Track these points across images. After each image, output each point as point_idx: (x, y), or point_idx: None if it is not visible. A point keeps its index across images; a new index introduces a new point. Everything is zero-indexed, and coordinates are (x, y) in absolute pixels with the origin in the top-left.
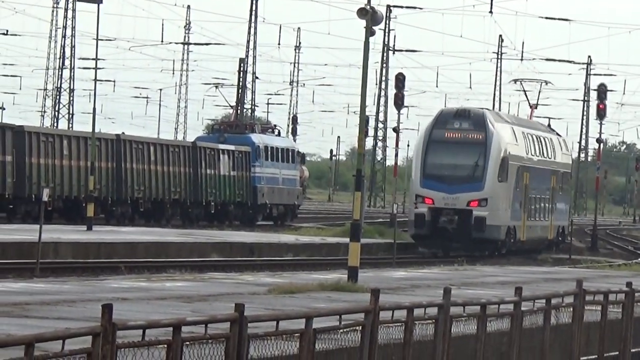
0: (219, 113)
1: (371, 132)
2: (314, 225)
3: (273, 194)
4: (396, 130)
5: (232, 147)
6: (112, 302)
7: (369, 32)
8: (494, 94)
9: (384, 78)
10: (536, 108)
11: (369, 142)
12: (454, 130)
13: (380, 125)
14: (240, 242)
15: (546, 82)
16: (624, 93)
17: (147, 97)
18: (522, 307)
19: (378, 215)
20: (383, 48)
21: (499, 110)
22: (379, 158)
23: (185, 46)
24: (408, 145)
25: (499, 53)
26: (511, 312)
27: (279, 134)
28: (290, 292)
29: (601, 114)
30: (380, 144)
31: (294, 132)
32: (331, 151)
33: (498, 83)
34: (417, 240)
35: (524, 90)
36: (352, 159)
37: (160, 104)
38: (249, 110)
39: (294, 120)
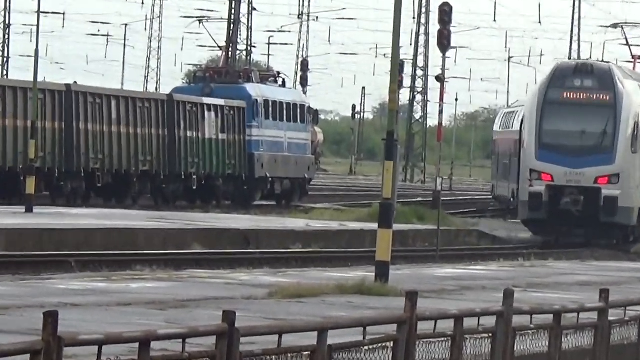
0: (204, 56)
1: (407, 81)
2: (331, 206)
3: (276, 165)
4: (440, 79)
5: (221, 102)
6: (58, 308)
7: None
8: (571, 33)
9: (424, 9)
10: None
11: (404, 96)
12: (574, 90)
13: (420, 72)
14: (232, 228)
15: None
16: None
17: (107, 35)
18: (609, 316)
19: (416, 192)
20: None
21: (578, 55)
22: (417, 117)
23: None
24: (457, 100)
25: None
26: (595, 323)
27: (283, 84)
28: (298, 295)
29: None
30: (419, 97)
31: (304, 82)
32: (353, 107)
33: (577, 16)
34: (530, 225)
35: (626, 38)
36: (381, 118)
37: (124, 45)
38: (244, 53)
39: (304, 65)
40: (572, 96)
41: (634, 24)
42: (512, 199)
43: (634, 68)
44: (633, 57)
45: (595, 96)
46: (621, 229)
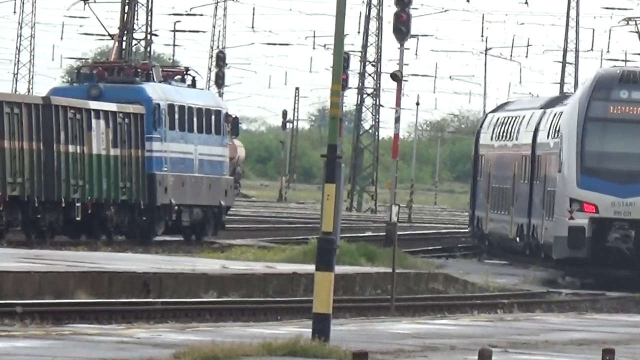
0: (90, 47)
1: (354, 80)
2: (255, 242)
3: (183, 189)
4: (397, 77)
5: (112, 107)
6: None
7: None
8: (567, 17)
9: None
10: None
11: (349, 99)
12: (621, 103)
13: (370, 68)
14: (128, 271)
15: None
16: None
17: None
18: None
19: (365, 224)
20: None
21: (577, 46)
22: (367, 126)
23: None
24: (418, 104)
25: None
26: None
27: (193, 84)
28: (214, 357)
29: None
30: (369, 101)
31: (221, 82)
32: (284, 114)
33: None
34: (567, 265)
35: (638, 32)
36: (320, 128)
37: None
38: (142, 43)
39: (220, 60)
40: (619, 111)
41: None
42: (517, 240)
43: None
44: None
45: None
46: None
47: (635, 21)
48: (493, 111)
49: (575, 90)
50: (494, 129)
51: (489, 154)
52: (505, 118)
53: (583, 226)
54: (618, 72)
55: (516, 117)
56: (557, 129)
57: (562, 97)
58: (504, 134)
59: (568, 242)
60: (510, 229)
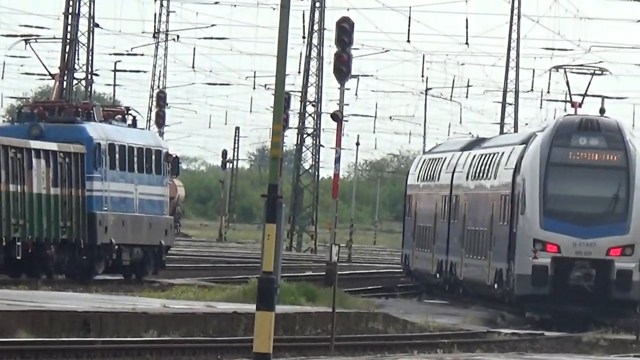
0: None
1: (294, 120)
2: (195, 281)
3: (124, 228)
4: (337, 117)
5: (53, 146)
6: None
7: None
8: (507, 58)
9: (316, 26)
10: (580, 107)
11: (290, 139)
12: (580, 149)
13: (310, 109)
14: (68, 310)
15: (602, 71)
16: None
17: None
18: None
19: (305, 264)
20: None
21: (517, 87)
22: (307, 166)
23: None
24: (358, 144)
25: None
26: None
27: (134, 124)
28: None
29: None
30: (309, 140)
31: (161, 121)
32: (224, 153)
33: (514, 36)
34: (529, 302)
35: (567, 82)
36: (260, 168)
37: None
38: (83, 82)
39: (160, 99)
40: (578, 156)
41: (578, 68)
42: (437, 275)
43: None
44: (573, 104)
45: (604, 157)
46: (633, 306)
47: (565, 69)
48: (425, 153)
49: (514, 131)
50: (421, 171)
51: (416, 194)
52: (430, 160)
53: (546, 265)
54: (577, 120)
55: (440, 159)
56: (479, 171)
57: (479, 140)
58: (430, 174)
59: (532, 280)
60: (432, 266)
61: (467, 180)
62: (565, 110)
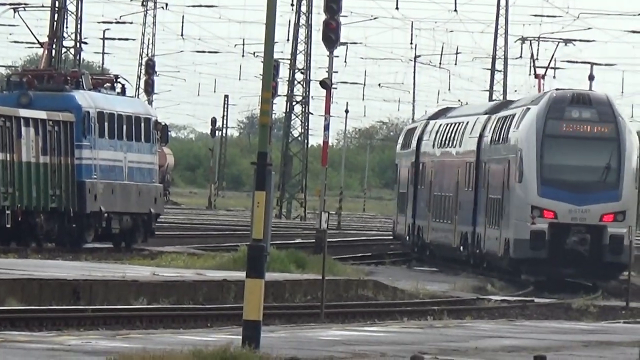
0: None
1: (283, 88)
2: (184, 249)
3: (113, 196)
4: (326, 84)
5: (42, 115)
6: None
7: None
8: (496, 25)
9: None
10: (543, 78)
11: (279, 106)
12: (573, 122)
13: (299, 76)
14: (57, 278)
15: (566, 42)
16: None
17: None
18: None
19: (294, 231)
20: None
21: (505, 54)
22: (296, 134)
23: None
24: (347, 112)
25: None
26: None
27: (123, 92)
28: None
29: None
30: (298, 108)
31: (150, 89)
32: (213, 121)
33: (503, 3)
34: (527, 265)
35: (532, 54)
36: (249, 135)
37: None
38: (72, 51)
39: (149, 67)
40: (571, 128)
41: (543, 39)
42: (408, 237)
43: (538, 88)
44: (536, 75)
45: (596, 129)
46: (623, 269)
47: (530, 41)
48: (413, 123)
49: (503, 98)
50: (404, 139)
51: (403, 162)
52: (411, 129)
53: (544, 230)
54: (569, 94)
55: (415, 128)
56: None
57: (506, 102)
58: (407, 142)
59: (530, 244)
60: (405, 229)
61: (434, 148)
62: (534, 77)
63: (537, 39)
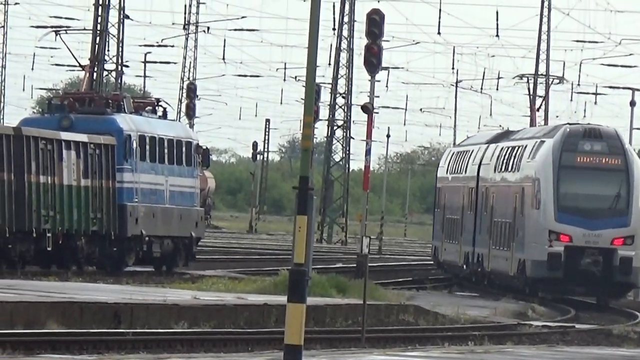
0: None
1: (324, 112)
2: (225, 273)
3: (154, 220)
4: (368, 109)
5: (83, 138)
6: None
7: None
8: (538, 49)
9: (346, 18)
10: (537, 111)
11: (320, 131)
12: (586, 154)
13: (340, 100)
14: (98, 302)
15: (560, 80)
16: None
17: None
18: None
19: (336, 256)
20: None
21: (547, 75)
22: (337, 158)
23: None
24: (388, 136)
25: None
26: None
27: (164, 115)
28: None
29: None
30: (339, 132)
31: (191, 113)
32: (255, 145)
33: (545, 28)
34: (545, 284)
35: (528, 89)
36: (290, 160)
37: None
38: (113, 74)
39: (191, 91)
40: (584, 160)
41: (540, 75)
42: (464, 267)
43: (531, 121)
44: (531, 109)
45: (606, 160)
46: (631, 288)
47: (527, 78)
48: (456, 146)
49: (545, 123)
50: (450, 162)
51: (445, 186)
52: (461, 152)
53: (560, 252)
54: (581, 128)
55: (469, 151)
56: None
57: (506, 133)
58: (458, 167)
59: (547, 265)
60: (459, 258)
61: (494, 172)
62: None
63: (533, 75)
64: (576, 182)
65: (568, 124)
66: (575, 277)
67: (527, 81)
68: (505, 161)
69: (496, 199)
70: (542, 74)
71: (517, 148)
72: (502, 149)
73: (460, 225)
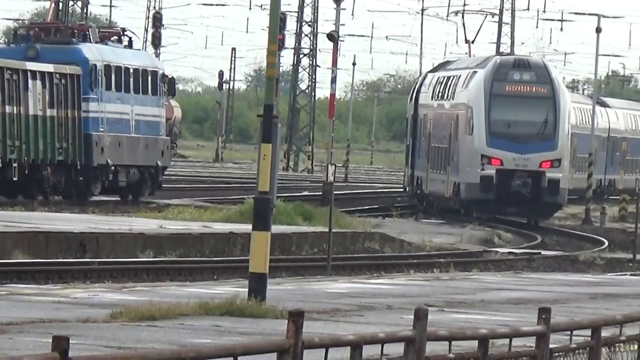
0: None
1: (290, 40)
2: (191, 202)
3: (120, 149)
4: (333, 37)
5: (49, 67)
6: None
7: None
8: None
9: None
10: (472, 43)
11: (286, 59)
12: (515, 83)
13: (306, 29)
14: (64, 231)
15: (493, 15)
16: None
17: None
18: (550, 343)
19: (301, 184)
20: None
21: (512, 7)
22: (303, 86)
23: None
24: (354, 64)
25: None
26: (532, 352)
27: (130, 45)
28: (151, 317)
29: None
30: (305, 61)
31: (157, 42)
32: (221, 74)
33: None
34: (476, 205)
35: (463, 24)
36: (256, 89)
37: None
38: (79, 4)
39: (156, 20)
40: (513, 89)
41: (473, 12)
42: (406, 188)
43: (469, 52)
44: (467, 41)
45: (535, 89)
46: (560, 208)
47: (462, 13)
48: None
49: (510, 51)
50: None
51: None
52: (447, 77)
53: (492, 175)
54: (511, 59)
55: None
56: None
57: (445, 63)
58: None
59: (480, 187)
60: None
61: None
62: (464, 42)
63: (468, 12)
64: (506, 110)
65: (499, 54)
66: (506, 198)
67: (462, 16)
68: (441, 90)
69: (433, 125)
70: (475, 11)
71: (452, 77)
72: (438, 78)
73: (408, 151)
